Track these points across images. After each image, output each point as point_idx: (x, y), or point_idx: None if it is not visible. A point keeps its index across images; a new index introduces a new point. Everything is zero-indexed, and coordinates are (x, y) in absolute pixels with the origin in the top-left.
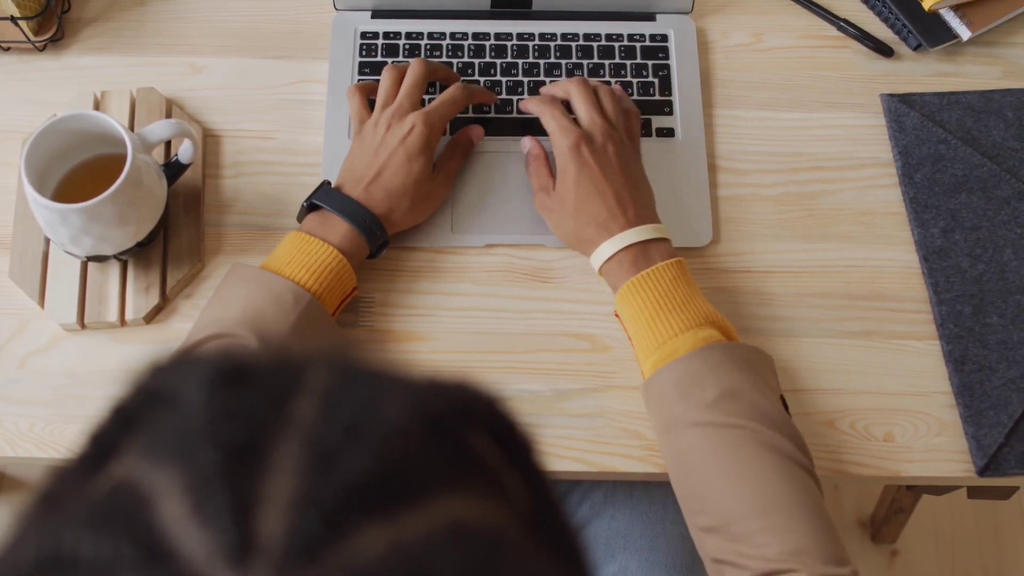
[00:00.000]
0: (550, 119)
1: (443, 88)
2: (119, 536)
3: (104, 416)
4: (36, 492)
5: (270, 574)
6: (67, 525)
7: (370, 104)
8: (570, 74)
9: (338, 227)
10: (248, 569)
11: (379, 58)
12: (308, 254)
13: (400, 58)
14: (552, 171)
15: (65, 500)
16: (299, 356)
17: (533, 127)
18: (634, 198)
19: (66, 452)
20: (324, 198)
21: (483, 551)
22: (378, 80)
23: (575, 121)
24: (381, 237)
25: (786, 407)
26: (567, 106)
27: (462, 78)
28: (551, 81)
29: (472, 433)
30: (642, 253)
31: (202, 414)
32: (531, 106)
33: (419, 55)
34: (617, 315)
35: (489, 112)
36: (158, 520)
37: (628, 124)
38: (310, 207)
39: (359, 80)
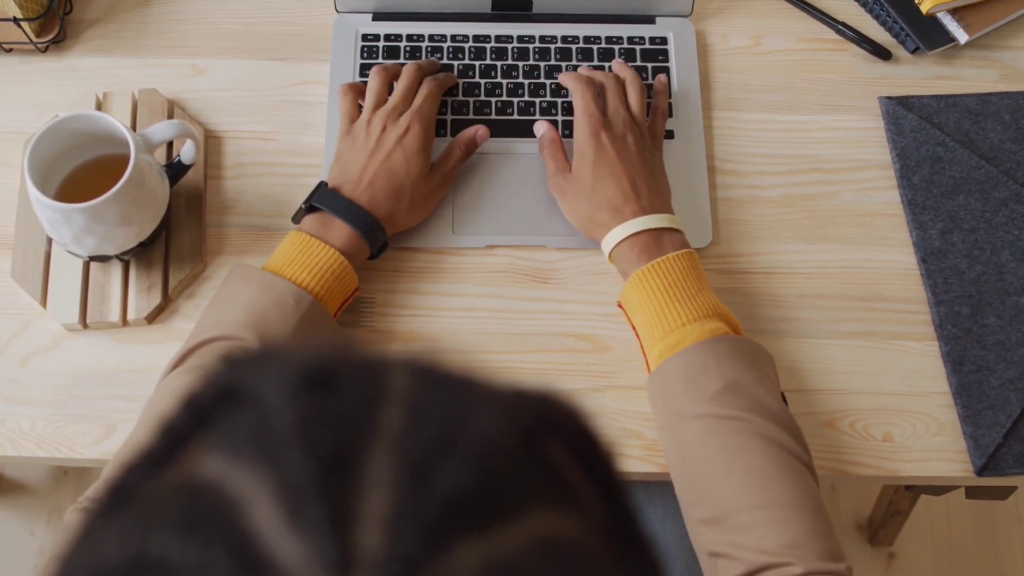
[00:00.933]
0: (580, 99)
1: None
2: (210, 540)
3: (175, 408)
4: (106, 487)
5: None
6: (151, 526)
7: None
8: None
9: (339, 230)
10: None
11: (380, 60)
12: (309, 256)
13: (401, 60)
14: (567, 155)
15: (139, 496)
16: (379, 359)
17: (531, 129)
18: (650, 186)
19: (127, 449)
20: (324, 200)
21: (573, 566)
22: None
23: (601, 108)
24: (381, 239)
25: (786, 403)
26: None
27: (461, 82)
28: (541, 77)
29: (553, 445)
30: (654, 241)
31: (288, 417)
32: (567, 80)
33: (420, 57)
34: (620, 305)
35: (490, 113)
36: (250, 526)
37: (653, 122)
38: (309, 209)
39: (359, 81)
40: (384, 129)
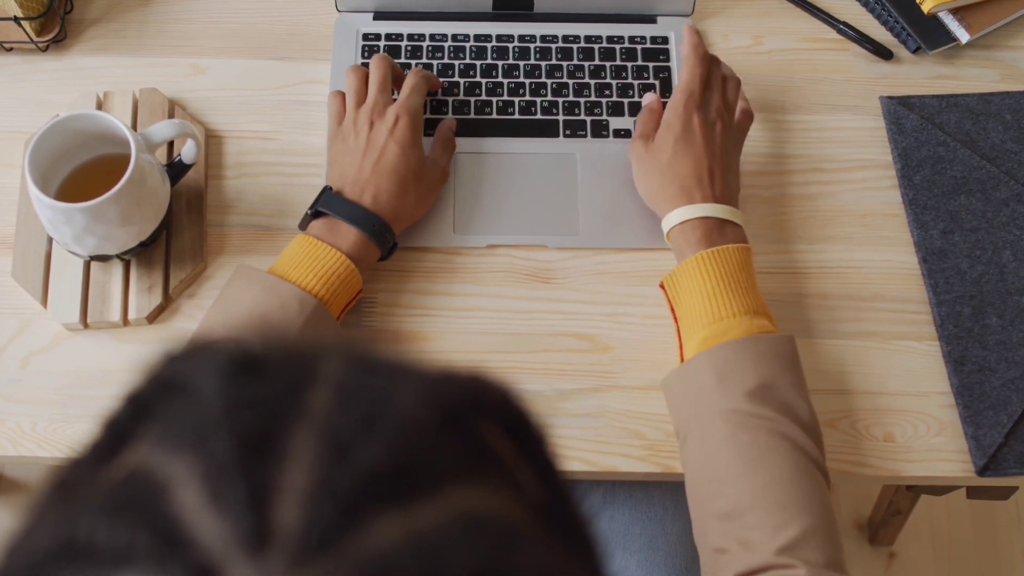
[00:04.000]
0: (688, 73)
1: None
2: (134, 523)
3: (118, 405)
4: (50, 481)
5: (287, 563)
6: (81, 512)
7: None
8: (572, 75)
9: (347, 234)
10: (265, 558)
11: None
12: (316, 259)
13: (401, 60)
14: (658, 126)
15: (79, 488)
16: (313, 347)
17: (532, 128)
18: (725, 178)
19: (74, 446)
20: (329, 205)
21: (496, 541)
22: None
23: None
24: (390, 239)
25: None
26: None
27: (463, 82)
28: (543, 76)
29: (485, 425)
30: (717, 229)
31: (217, 403)
32: (689, 41)
33: (421, 57)
34: (662, 286)
35: (491, 113)
36: (174, 508)
37: (741, 120)
38: (315, 214)
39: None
40: (372, 125)
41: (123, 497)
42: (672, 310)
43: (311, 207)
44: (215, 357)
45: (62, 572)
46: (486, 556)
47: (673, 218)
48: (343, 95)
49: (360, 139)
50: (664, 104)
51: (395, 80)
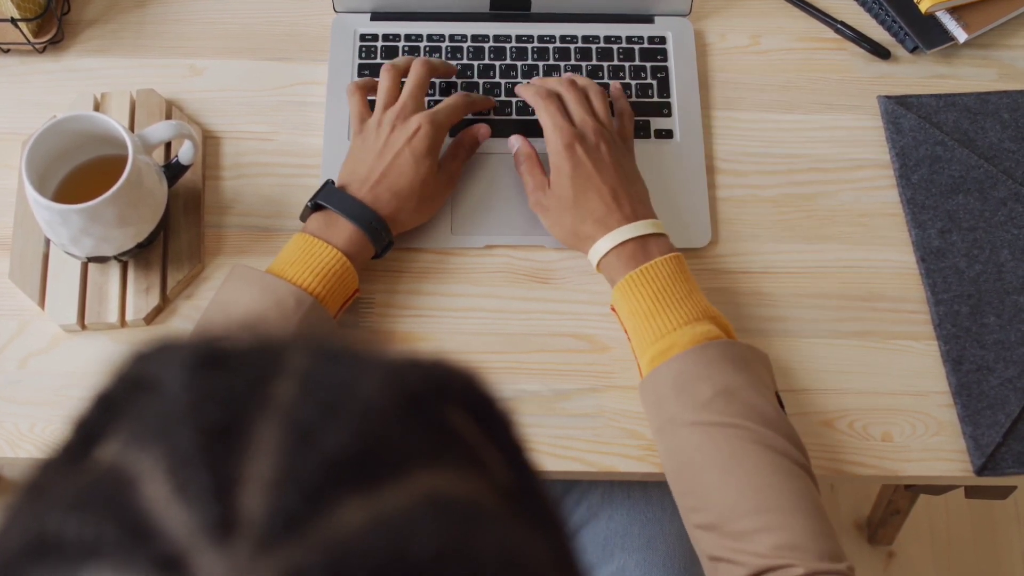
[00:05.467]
0: (546, 115)
1: (442, 87)
2: (102, 517)
3: (87, 405)
4: (23, 484)
5: (252, 550)
6: (51, 509)
7: (370, 104)
8: None
9: (343, 228)
10: (230, 545)
11: (378, 60)
12: (312, 256)
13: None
14: (544, 170)
15: (50, 487)
16: (278, 339)
17: (531, 129)
18: (630, 194)
19: (46, 447)
20: (329, 198)
21: (462, 521)
22: (377, 78)
23: (569, 119)
24: (386, 238)
25: (782, 405)
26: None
27: (460, 82)
28: (539, 76)
29: (449, 409)
30: (641, 248)
31: (182, 397)
32: (527, 95)
33: (418, 57)
34: (614, 309)
35: (489, 114)
36: (140, 501)
37: (621, 124)
38: (314, 207)
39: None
40: (393, 129)
41: (91, 493)
42: (625, 331)
43: (311, 199)
44: (180, 352)
45: (33, 568)
46: (451, 537)
47: (597, 251)
48: (362, 91)
49: (379, 141)
50: (530, 142)
51: (444, 75)
